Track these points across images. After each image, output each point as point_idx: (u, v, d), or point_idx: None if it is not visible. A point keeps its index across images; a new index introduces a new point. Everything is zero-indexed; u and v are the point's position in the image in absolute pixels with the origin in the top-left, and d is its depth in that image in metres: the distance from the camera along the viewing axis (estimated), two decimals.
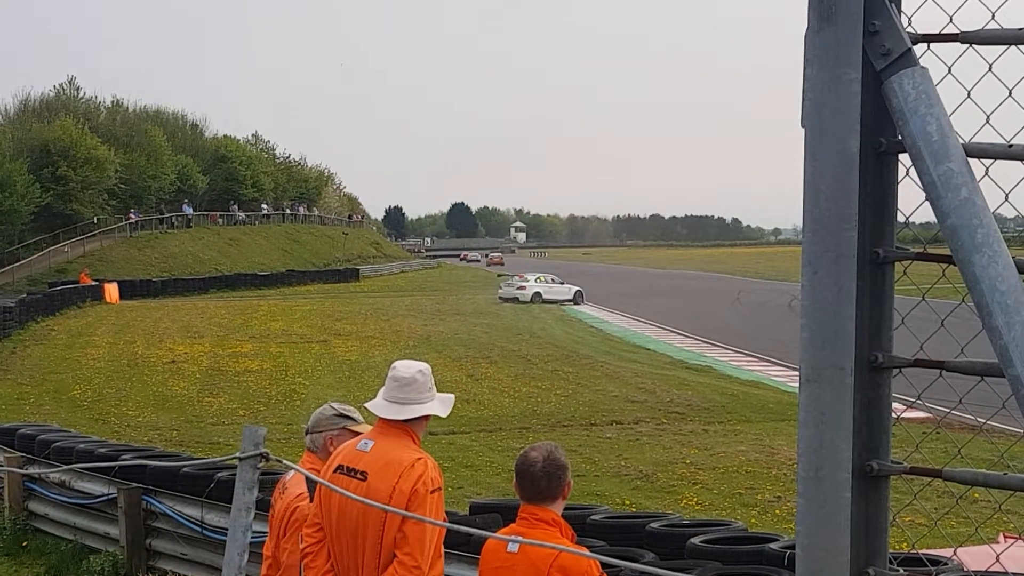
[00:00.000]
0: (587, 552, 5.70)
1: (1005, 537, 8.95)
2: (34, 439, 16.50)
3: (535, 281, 69.31)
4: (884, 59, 2.71)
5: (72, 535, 15.02)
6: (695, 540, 9.55)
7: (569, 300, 66.46)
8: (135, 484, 13.77)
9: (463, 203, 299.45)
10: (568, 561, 5.35)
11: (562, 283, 69.85)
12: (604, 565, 5.68)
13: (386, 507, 5.59)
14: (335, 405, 6.97)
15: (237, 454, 3.62)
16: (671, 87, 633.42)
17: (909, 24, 2.75)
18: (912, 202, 2.79)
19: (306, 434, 6.90)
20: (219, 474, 13.01)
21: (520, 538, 5.28)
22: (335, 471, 6.18)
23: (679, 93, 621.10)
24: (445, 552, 6.68)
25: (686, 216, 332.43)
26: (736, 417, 25.92)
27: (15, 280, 69.00)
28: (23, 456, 16.10)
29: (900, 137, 2.73)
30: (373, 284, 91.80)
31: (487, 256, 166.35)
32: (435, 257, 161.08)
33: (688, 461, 20.65)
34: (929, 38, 2.75)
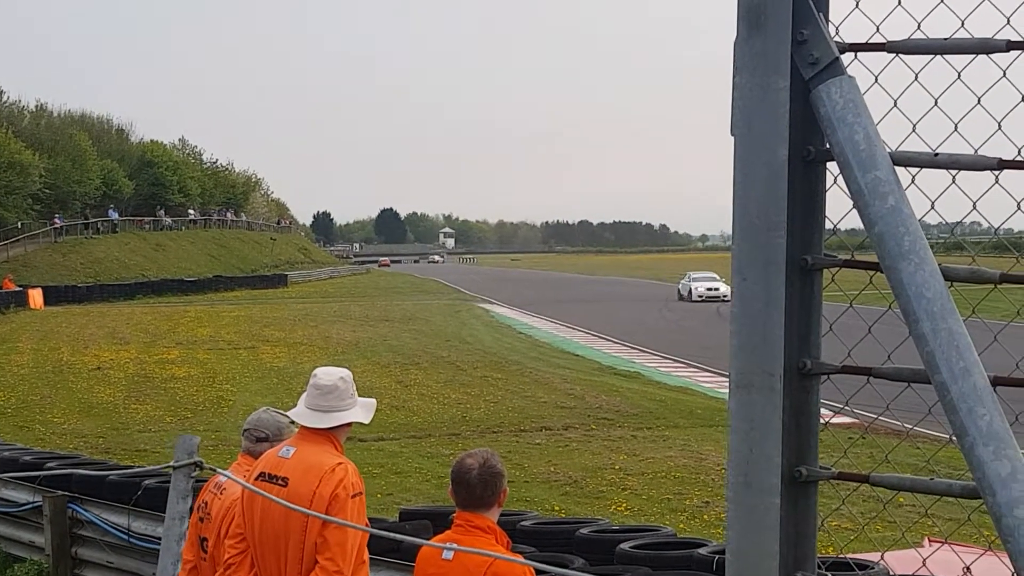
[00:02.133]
0: (522, 559, 5.69)
1: (930, 541, 9.04)
2: None
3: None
4: (812, 68, 2.73)
5: None
6: (624, 546, 9.58)
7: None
8: (61, 492, 13.63)
9: (391, 209, 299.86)
10: (503, 568, 5.36)
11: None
12: (538, 572, 5.68)
13: (307, 511, 5.59)
14: (280, 415, 6.93)
15: (171, 463, 3.60)
16: (602, 92, 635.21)
17: (837, 33, 2.77)
18: (840, 210, 2.82)
19: (256, 440, 6.85)
20: (146, 481, 12.91)
21: (455, 545, 5.28)
22: (257, 478, 6.17)
23: (610, 98, 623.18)
24: (374, 559, 6.68)
25: (614, 222, 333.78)
26: (664, 423, 26.00)
27: None
28: None
29: (828, 145, 2.75)
30: (301, 290, 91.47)
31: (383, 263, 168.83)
32: (363, 263, 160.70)
33: (617, 467, 20.70)
34: (856, 47, 2.78)
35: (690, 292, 72.03)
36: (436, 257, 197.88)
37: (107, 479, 13.21)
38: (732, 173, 2.83)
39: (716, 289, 69.72)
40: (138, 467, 15.98)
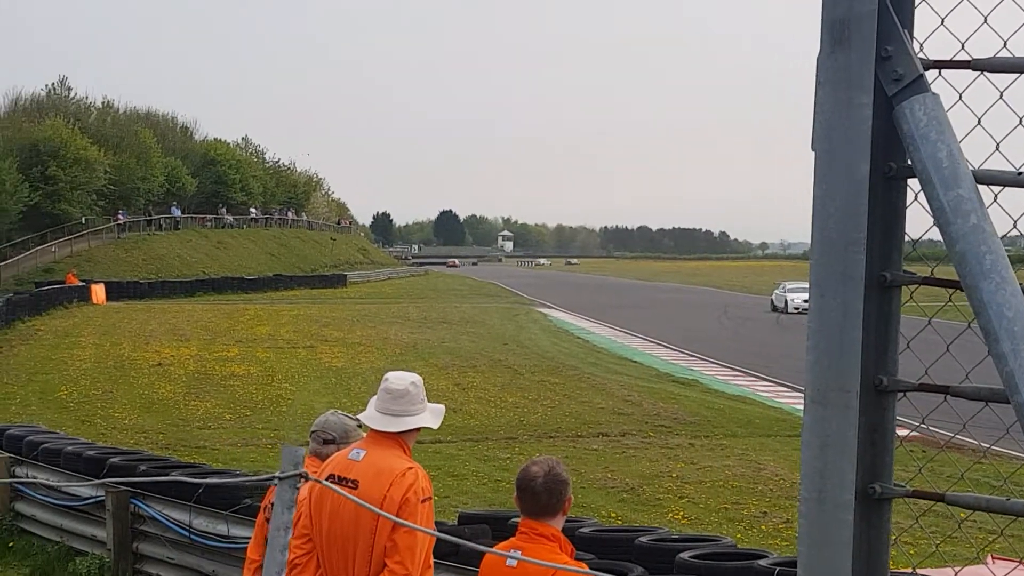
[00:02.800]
0: (586, 569, 5.70)
1: (994, 558, 8.96)
2: (22, 440, 16.49)
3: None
4: (896, 84, 2.73)
5: (59, 537, 14.99)
6: (684, 555, 9.56)
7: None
8: (123, 486, 13.75)
9: (451, 211, 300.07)
10: None
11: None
12: None
13: (379, 511, 5.61)
14: (347, 417, 6.97)
15: (277, 474, 3.62)
16: (660, 99, 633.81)
17: (921, 50, 2.76)
18: (919, 227, 2.81)
19: (323, 442, 6.88)
20: (209, 478, 13.00)
21: (519, 553, 5.29)
22: (327, 479, 6.18)
23: (669, 105, 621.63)
24: (436, 562, 6.70)
25: (673, 228, 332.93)
26: (722, 431, 25.91)
27: (1, 279, 68.85)
28: (11, 457, 16.08)
29: (910, 162, 2.74)
30: (360, 290, 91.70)
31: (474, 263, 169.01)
32: (422, 264, 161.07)
33: (674, 475, 20.65)
34: (941, 64, 2.77)
35: (786, 304, 67.32)
36: (454, 261, 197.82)
37: (170, 474, 13.32)
38: (812, 187, 2.83)
39: None
40: (205, 464, 16.06)
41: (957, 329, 2.96)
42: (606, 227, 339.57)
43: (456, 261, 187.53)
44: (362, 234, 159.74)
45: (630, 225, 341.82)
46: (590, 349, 46.01)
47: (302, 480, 3.57)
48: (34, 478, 15.36)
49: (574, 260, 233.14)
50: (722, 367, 40.19)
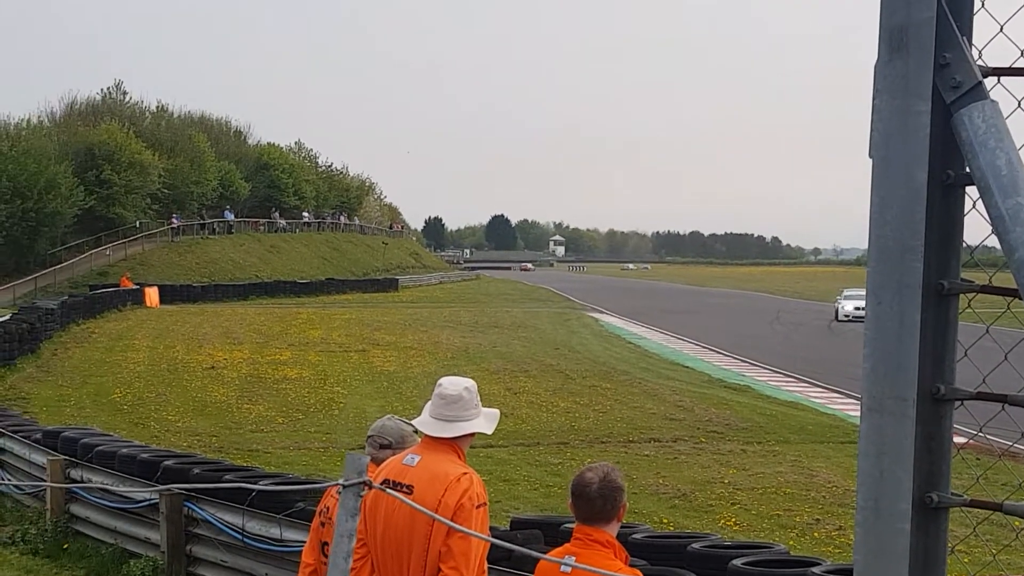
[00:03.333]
0: (640, 575, 5.70)
1: None
2: (77, 442, 16.62)
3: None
4: (954, 92, 2.72)
5: (113, 539, 15.10)
6: (737, 562, 9.53)
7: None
8: (177, 489, 13.83)
9: (503, 215, 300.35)
10: None
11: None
12: None
13: (434, 515, 5.62)
14: (404, 423, 6.99)
15: (341, 481, 3.65)
16: (709, 102, 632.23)
17: (980, 57, 2.75)
18: (977, 235, 2.80)
19: (380, 447, 6.91)
20: (261, 483, 13.06)
21: (573, 560, 5.30)
22: (382, 484, 6.19)
23: (717, 108, 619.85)
24: (490, 568, 6.72)
25: (725, 234, 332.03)
26: (774, 438, 25.82)
27: (57, 282, 69.51)
28: (66, 459, 16.22)
29: (968, 170, 2.73)
30: (411, 294, 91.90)
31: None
32: (473, 269, 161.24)
33: (726, 481, 20.60)
34: (1000, 72, 2.76)
35: (836, 312, 65.81)
36: (528, 265, 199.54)
37: (223, 478, 13.40)
38: (870, 194, 2.82)
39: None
40: (258, 468, 16.12)
41: (1016, 337, 2.95)
42: (658, 232, 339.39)
43: (530, 265, 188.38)
44: (414, 238, 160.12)
45: (682, 230, 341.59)
46: (641, 354, 45.95)
47: (366, 488, 3.59)
48: (89, 480, 15.49)
49: (631, 265, 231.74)
50: (774, 373, 40.04)
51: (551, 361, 40.81)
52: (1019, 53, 2.76)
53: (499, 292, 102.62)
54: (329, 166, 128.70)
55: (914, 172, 2.76)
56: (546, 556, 5.57)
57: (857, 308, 61.13)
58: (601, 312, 72.48)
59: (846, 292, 68.68)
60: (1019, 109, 2.77)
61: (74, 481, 15.87)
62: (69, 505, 16.01)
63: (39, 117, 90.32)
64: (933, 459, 2.87)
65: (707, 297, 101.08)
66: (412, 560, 6.14)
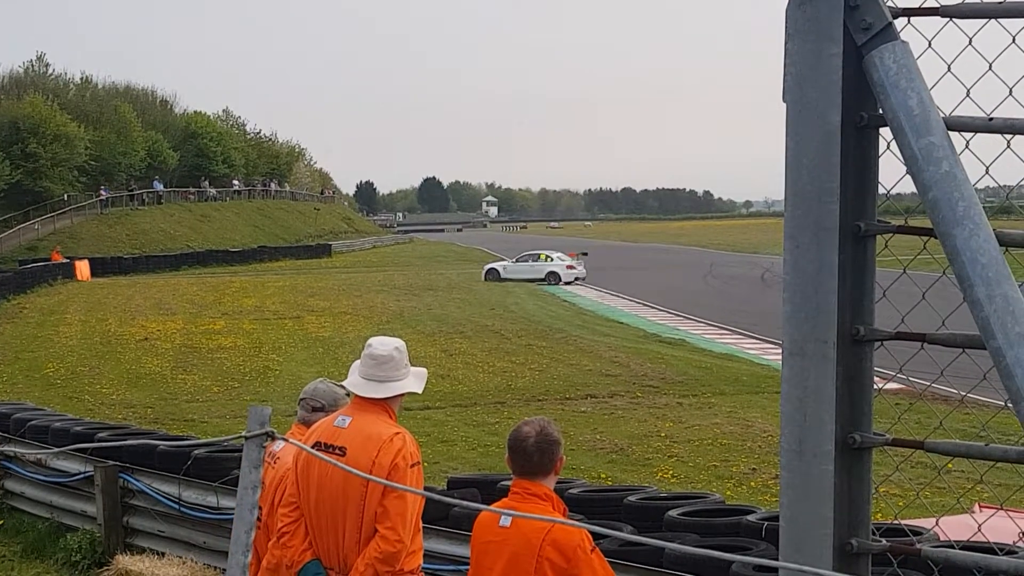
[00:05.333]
0: (579, 523, 5.74)
1: (981, 507, 9.01)
2: (9, 417, 16.47)
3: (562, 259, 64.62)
4: (865, 33, 2.73)
5: (49, 513, 14.99)
6: (673, 513, 9.59)
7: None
8: (112, 462, 13.75)
9: (435, 178, 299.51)
10: (560, 535, 5.38)
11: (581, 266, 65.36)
12: (593, 536, 5.71)
13: (369, 476, 5.61)
14: (336, 385, 6.96)
15: (243, 433, 3.61)
16: (638, 57, 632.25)
17: None
18: (893, 176, 2.81)
19: (312, 410, 6.89)
20: (196, 451, 13.01)
21: (514, 512, 5.30)
22: (314, 446, 6.17)
23: (647, 63, 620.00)
24: (423, 527, 6.71)
25: (657, 189, 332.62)
26: (710, 390, 25.97)
27: None
28: None
29: (881, 111, 2.74)
30: (345, 260, 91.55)
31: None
32: (407, 232, 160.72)
33: (663, 434, 20.70)
34: (909, 12, 2.76)
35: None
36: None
37: (157, 449, 13.34)
38: (784, 139, 2.82)
39: None
40: (192, 437, 16.05)
41: (933, 278, 2.96)
42: (590, 190, 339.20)
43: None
44: (346, 203, 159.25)
45: (614, 187, 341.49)
46: (576, 312, 46.05)
47: (268, 438, 3.56)
48: (21, 456, 15.36)
49: (555, 224, 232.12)
50: (709, 326, 40.27)
51: (486, 322, 40.82)
52: None
53: (433, 255, 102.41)
54: (258, 133, 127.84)
55: (828, 115, 2.76)
56: (487, 507, 5.57)
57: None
58: None
59: None
60: (930, 49, 2.78)
61: (7, 457, 15.73)
62: (3, 481, 15.86)
63: None
64: (855, 400, 2.89)
65: (640, 253, 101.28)
66: (348, 522, 6.13)
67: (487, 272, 63.96)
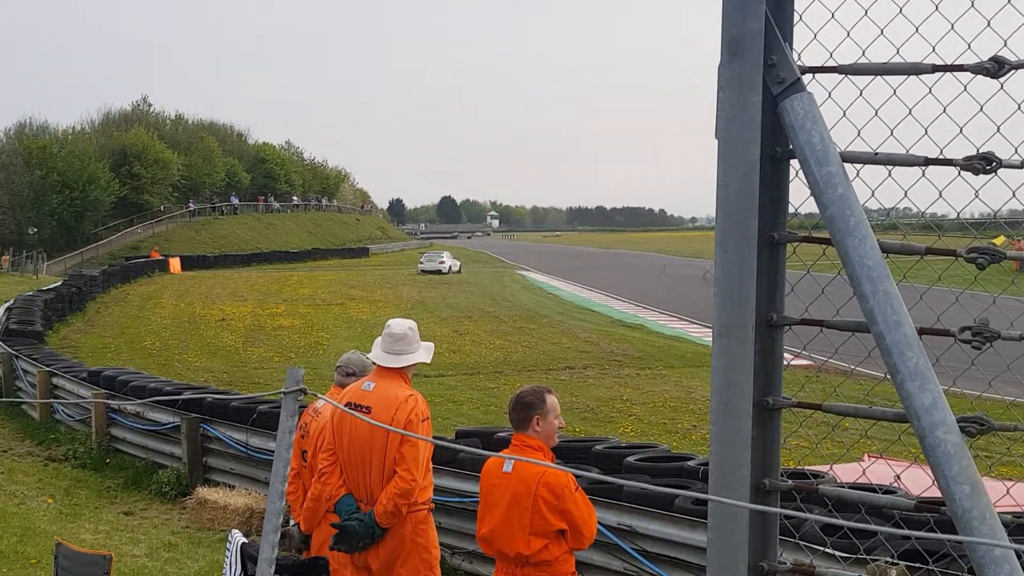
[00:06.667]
0: (564, 468, 5.75)
1: (868, 456, 9.01)
2: (115, 379, 16.50)
3: (447, 258, 69.73)
4: (779, 86, 2.73)
5: (145, 454, 15.01)
6: (630, 459, 9.61)
7: (456, 271, 68.02)
8: (194, 414, 13.77)
9: (450, 196, 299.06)
10: (551, 478, 5.42)
11: (457, 260, 71.26)
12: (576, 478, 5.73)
13: (389, 427, 5.60)
14: (365, 356, 6.95)
15: (282, 389, 3.61)
16: (609, 107, 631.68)
17: (799, 59, 2.77)
18: (800, 197, 2.82)
19: (346, 375, 6.90)
20: (261, 406, 13.02)
21: (515, 456, 5.32)
22: (345, 406, 6.18)
23: (618, 115, 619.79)
24: (436, 468, 6.72)
25: (624, 207, 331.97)
26: (662, 364, 25.97)
27: (99, 255, 68.70)
28: (107, 392, 16.08)
29: (791, 147, 2.75)
30: (379, 260, 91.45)
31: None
32: (428, 239, 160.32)
33: (624, 398, 20.70)
34: (814, 70, 2.78)
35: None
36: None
37: (231, 404, 13.35)
38: (716, 168, 2.83)
39: None
40: (257, 395, 16.10)
41: (830, 278, 2.97)
42: (571, 207, 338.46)
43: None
44: (380, 216, 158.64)
45: (590, 205, 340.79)
46: (559, 302, 45.99)
47: (302, 394, 3.56)
48: (124, 409, 15.38)
49: (557, 233, 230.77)
50: (662, 314, 40.22)
51: (488, 309, 40.79)
52: (828, 55, 2.77)
53: None
54: (312, 160, 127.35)
55: (750, 149, 2.77)
56: (488, 452, 5.57)
57: (450, 267, 67.69)
58: (527, 270, 72.45)
59: None
60: (829, 99, 2.79)
61: (114, 410, 15.75)
62: (110, 428, 15.88)
63: (81, 125, 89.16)
64: (769, 372, 2.90)
65: (609, 257, 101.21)
66: (373, 465, 6.15)
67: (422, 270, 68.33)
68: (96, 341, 31.25)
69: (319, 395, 3.72)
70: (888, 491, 6.36)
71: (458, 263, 70.09)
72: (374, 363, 6.43)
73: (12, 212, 69.20)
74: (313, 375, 23.97)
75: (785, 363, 2.95)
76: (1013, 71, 2.54)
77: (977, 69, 2.57)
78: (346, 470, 6.25)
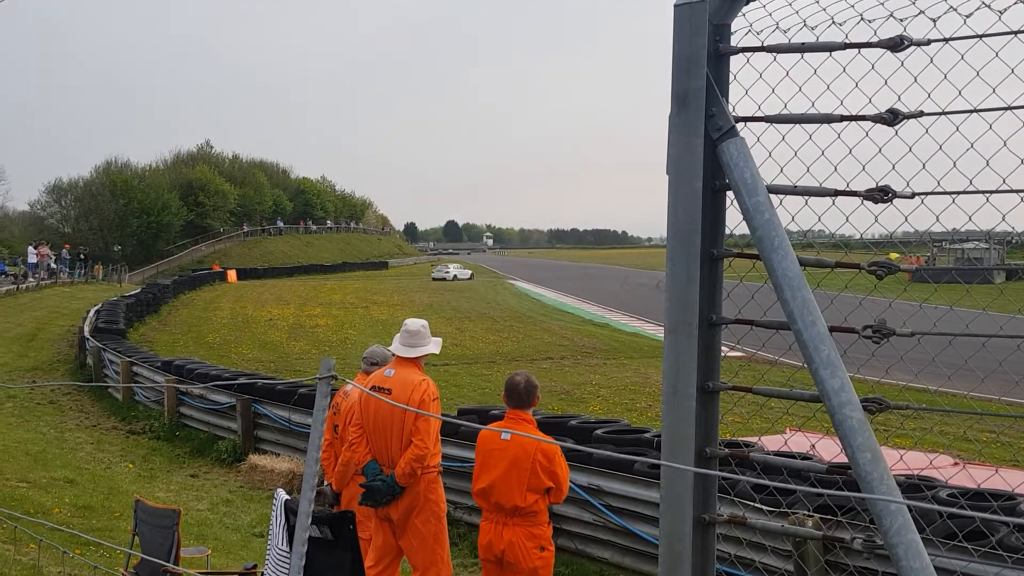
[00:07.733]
0: (553, 440, 5.82)
1: (790, 430, 9.01)
2: (183, 368, 16.44)
3: (452, 269, 71.40)
4: (718, 132, 2.73)
5: (207, 428, 14.97)
6: (598, 431, 9.59)
7: (467, 278, 69.15)
8: (247, 396, 13.73)
9: (454, 220, 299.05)
10: (546, 445, 5.54)
11: (467, 270, 72.62)
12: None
13: (406, 406, 5.60)
14: (385, 348, 6.95)
15: (316, 376, 3.60)
16: (583, 148, 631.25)
17: (734, 110, 2.77)
18: (734, 221, 2.82)
19: (370, 364, 6.89)
20: (301, 389, 12.98)
21: (512, 430, 5.37)
22: (371, 389, 6.19)
23: (587, 150, 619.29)
24: (443, 439, 6.69)
25: (594, 229, 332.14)
26: (624, 356, 25.96)
27: (170, 268, 68.55)
28: (177, 378, 16.03)
29: (728, 181, 2.75)
30: (397, 271, 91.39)
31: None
32: (436, 255, 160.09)
33: (593, 383, 20.68)
34: (746, 119, 2.78)
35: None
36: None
37: (276, 388, 13.30)
38: (667, 198, 2.83)
39: None
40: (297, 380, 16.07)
41: (758, 287, 2.97)
42: (551, 228, 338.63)
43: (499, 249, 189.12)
44: (397, 236, 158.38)
45: (566, 227, 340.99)
46: (541, 305, 45.97)
47: (334, 380, 3.55)
48: (190, 391, 15.32)
49: (498, 248, 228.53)
50: (624, 315, 40.20)
51: (484, 311, 40.74)
52: (757, 107, 2.78)
53: None
54: (343, 191, 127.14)
55: (694, 182, 2.77)
56: (484, 426, 5.58)
57: (455, 276, 69.80)
58: (515, 280, 72.42)
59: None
60: (758, 142, 2.79)
61: (182, 392, 15.69)
62: (179, 407, 15.83)
63: (156, 163, 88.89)
64: (709, 362, 2.89)
65: (581, 269, 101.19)
66: (393, 436, 6.15)
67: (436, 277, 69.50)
68: (168, 337, 31.15)
69: (348, 380, 3.73)
70: (805, 458, 6.36)
71: (468, 272, 70.94)
72: (394, 354, 6.43)
73: (101, 233, 69.40)
74: (343, 364, 23.90)
75: (723, 354, 2.95)
76: (905, 120, 2.55)
77: (876, 119, 2.58)
78: (371, 440, 6.24)
